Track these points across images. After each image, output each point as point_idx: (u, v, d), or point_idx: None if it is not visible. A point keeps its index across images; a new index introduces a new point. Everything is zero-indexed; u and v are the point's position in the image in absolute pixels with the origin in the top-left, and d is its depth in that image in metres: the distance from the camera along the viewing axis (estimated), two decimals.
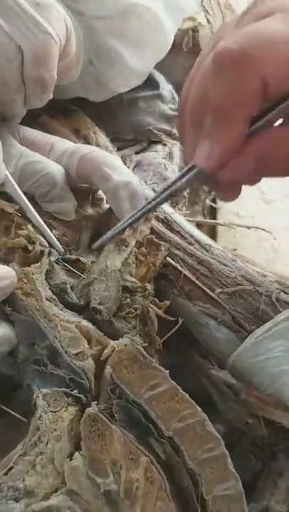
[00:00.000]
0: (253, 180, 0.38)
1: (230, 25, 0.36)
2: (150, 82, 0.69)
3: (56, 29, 0.46)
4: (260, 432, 0.46)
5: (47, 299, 0.41)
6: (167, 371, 0.39)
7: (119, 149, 0.68)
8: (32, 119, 0.61)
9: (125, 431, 0.37)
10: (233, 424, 0.49)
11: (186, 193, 0.66)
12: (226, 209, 0.76)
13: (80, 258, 0.45)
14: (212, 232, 0.75)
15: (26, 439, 0.37)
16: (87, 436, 0.36)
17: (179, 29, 0.68)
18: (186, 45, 0.74)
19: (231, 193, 0.39)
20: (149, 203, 0.38)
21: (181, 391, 0.39)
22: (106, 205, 0.51)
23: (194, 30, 0.75)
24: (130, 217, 0.39)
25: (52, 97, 0.49)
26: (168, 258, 0.50)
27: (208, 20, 0.78)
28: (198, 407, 0.39)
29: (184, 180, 0.36)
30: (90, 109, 0.65)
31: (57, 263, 0.44)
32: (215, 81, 0.32)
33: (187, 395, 0.39)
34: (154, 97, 0.71)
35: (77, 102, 0.65)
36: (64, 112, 0.63)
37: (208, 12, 0.79)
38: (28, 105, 0.49)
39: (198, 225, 0.70)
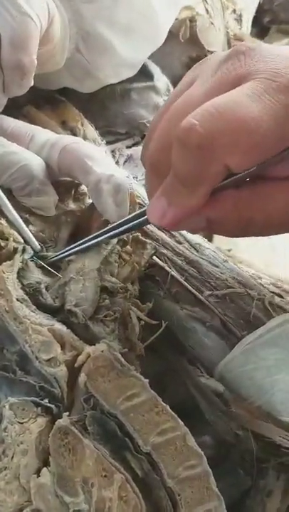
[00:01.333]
0: (196, 233, 0.37)
1: (209, 67, 0.34)
2: (144, 73, 0.66)
3: (36, 11, 0.43)
4: (250, 446, 0.43)
5: (18, 300, 0.37)
6: (147, 380, 0.36)
7: (110, 143, 0.65)
8: (17, 110, 0.59)
9: (99, 445, 0.34)
10: (222, 436, 0.46)
11: None
12: None
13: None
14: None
15: None
16: (56, 450, 0.33)
17: (176, 19, 0.65)
18: (183, 36, 0.71)
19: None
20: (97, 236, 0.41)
21: (162, 402, 0.36)
22: (89, 200, 0.48)
23: (192, 20, 0.72)
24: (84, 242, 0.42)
25: (32, 83, 0.46)
26: (154, 257, 0.47)
27: (206, 10, 0.75)
28: (179, 419, 0.36)
29: (134, 222, 0.39)
30: (79, 100, 0.62)
31: (31, 261, 0.41)
32: (179, 154, 0.31)
33: (168, 407, 0.36)
34: (148, 88, 0.67)
35: (66, 92, 0.62)
36: (51, 102, 0.60)
37: (206, 2, 0.76)
38: (7, 93, 0.45)
39: None
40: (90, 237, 0.42)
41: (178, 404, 0.48)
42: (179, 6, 0.62)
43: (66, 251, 0.42)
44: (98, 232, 0.41)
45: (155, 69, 0.68)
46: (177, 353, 0.48)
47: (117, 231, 0.41)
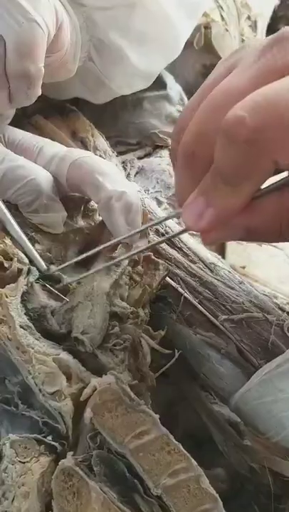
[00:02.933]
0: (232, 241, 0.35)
1: (250, 54, 0.31)
2: (157, 82, 0.63)
3: (44, 17, 0.40)
4: (267, 480, 0.41)
5: (21, 327, 0.35)
6: (157, 415, 0.33)
7: (121, 153, 0.63)
8: (25, 119, 0.57)
9: (106, 487, 0.32)
10: (236, 469, 0.43)
11: None
12: None
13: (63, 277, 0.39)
14: (221, 246, 0.69)
15: None
16: (59, 494, 0.31)
17: None
18: (197, 43, 0.69)
19: None
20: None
21: (174, 440, 0.33)
22: (99, 217, 0.45)
23: (207, 27, 0.70)
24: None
25: (40, 93, 0.44)
26: (167, 278, 0.44)
27: (222, 16, 0.72)
28: (192, 459, 0.33)
29: (166, 237, 0.39)
30: (90, 109, 0.60)
31: (37, 282, 0.38)
32: (224, 150, 0.28)
33: (180, 445, 0.33)
34: (161, 97, 0.65)
35: (76, 102, 0.60)
36: (60, 112, 0.58)
37: (222, 8, 0.73)
38: (14, 103, 0.43)
39: None
40: (89, 252, 0.40)
41: (189, 433, 0.46)
42: (198, 15, 0.60)
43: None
44: (102, 246, 0.39)
45: (168, 77, 0.66)
46: (189, 378, 0.45)
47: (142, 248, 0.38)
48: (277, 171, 0.30)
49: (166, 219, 0.39)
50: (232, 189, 0.29)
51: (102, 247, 0.39)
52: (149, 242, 0.45)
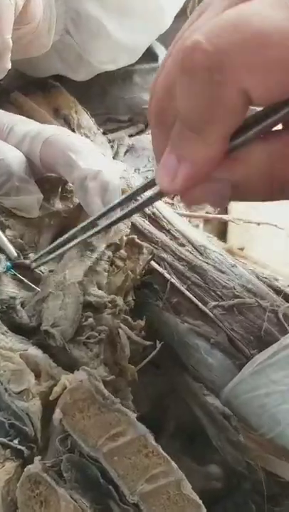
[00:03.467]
0: (221, 204, 0.29)
1: None
2: (147, 54, 0.60)
3: None
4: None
5: None
6: (134, 414, 0.30)
7: (112, 131, 0.60)
8: (5, 97, 0.53)
9: (77, 495, 0.29)
10: (232, 465, 0.40)
11: None
12: None
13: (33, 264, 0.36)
14: (223, 227, 0.65)
15: None
16: (25, 503, 0.28)
17: None
18: (191, 11, 0.65)
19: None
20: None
21: (152, 442, 0.30)
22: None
23: None
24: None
25: (10, 66, 0.40)
26: (153, 263, 0.41)
27: None
28: (173, 462, 0.30)
29: (144, 198, 0.30)
30: (74, 85, 0.57)
31: (7, 271, 0.35)
32: (183, 88, 0.24)
33: (160, 447, 0.30)
34: (152, 70, 0.62)
35: (60, 77, 0.56)
36: (42, 88, 0.55)
37: None
38: None
39: (207, 221, 0.61)
40: (76, 229, 0.34)
41: (181, 427, 0.43)
42: None
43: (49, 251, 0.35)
44: (76, 229, 0.34)
45: (159, 48, 0.62)
46: (180, 369, 0.42)
47: (131, 208, 0.31)
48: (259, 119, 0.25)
49: (143, 189, 0.34)
50: (199, 137, 0.25)
51: (76, 229, 0.36)
52: (132, 224, 0.42)
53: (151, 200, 0.30)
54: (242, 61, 0.22)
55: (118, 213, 0.32)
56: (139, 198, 0.32)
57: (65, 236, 0.35)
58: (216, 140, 0.24)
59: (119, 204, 0.32)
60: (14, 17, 0.39)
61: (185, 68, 0.23)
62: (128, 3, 0.49)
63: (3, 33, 0.38)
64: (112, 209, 0.33)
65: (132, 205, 0.31)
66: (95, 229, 0.33)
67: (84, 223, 0.34)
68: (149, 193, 0.29)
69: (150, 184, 0.31)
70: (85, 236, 0.33)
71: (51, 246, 0.36)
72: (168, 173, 0.26)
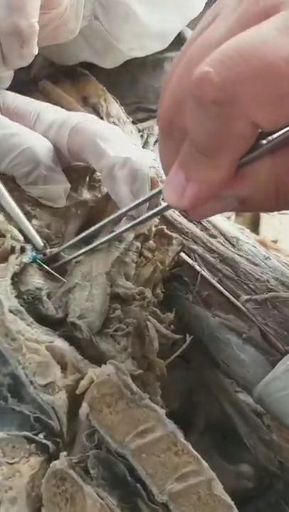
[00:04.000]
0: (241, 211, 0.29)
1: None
2: (178, 41, 0.58)
3: None
4: None
5: (10, 311, 0.31)
6: (163, 410, 0.29)
7: (142, 121, 0.59)
8: (33, 85, 0.53)
9: (104, 492, 0.28)
10: (264, 464, 0.39)
11: None
12: None
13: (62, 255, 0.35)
14: (255, 219, 0.63)
15: None
16: (50, 500, 0.27)
17: None
18: None
19: None
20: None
21: (182, 439, 0.29)
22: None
23: None
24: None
25: (36, 52, 0.39)
26: (182, 254, 0.40)
27: None
28: (203, 461, 0.29)
29: (150, 213, 0.33)
30: (104, 73, 0.55)
31: (33, 262, 0.35)
32: (193, 114, 0.24)
33: (190, 446, 0.29)
34: None
35: (89, 65, 0.55)
36: (71, 76, 0.54)
37: None
38: (8, 64, 0.39)
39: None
40: (92, 229, 0.36)
41: (212, 424, 0.42)
42: None
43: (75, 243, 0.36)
44: (104, 221, 0.35)
45: (190, 34, 0.61)
46: (211, 364, 0.41)
47: (130, 224, 0.34)
48: (267, 134, 0.25)
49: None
50: (209, 160, 0.25)
51: (104, 221, 0.35)
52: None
53: (163, 210, 0.33)
54: (251, 94, 0.22)
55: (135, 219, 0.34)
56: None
57: (92, 229, 0.35)
58: (225, 164, 0.25)
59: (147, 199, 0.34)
60: (40, 1, 0.38)
61: (195, 99, 0.23)
62: None
63: (29, 16, 0.37)
64: (140, 204, 0.34)
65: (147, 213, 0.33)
66: (111, 234, 0.35)
67: (111, 216, 0.34)
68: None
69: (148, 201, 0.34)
70: (101, 240, 0.35)
71: (78, 238, 0.36)
72: (175, 191, 0.26)
